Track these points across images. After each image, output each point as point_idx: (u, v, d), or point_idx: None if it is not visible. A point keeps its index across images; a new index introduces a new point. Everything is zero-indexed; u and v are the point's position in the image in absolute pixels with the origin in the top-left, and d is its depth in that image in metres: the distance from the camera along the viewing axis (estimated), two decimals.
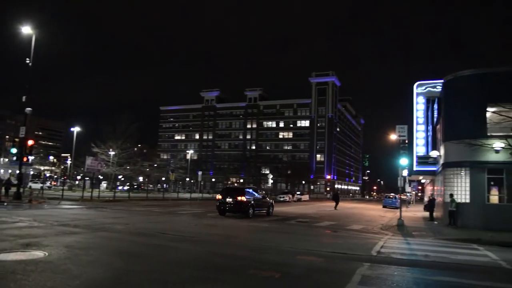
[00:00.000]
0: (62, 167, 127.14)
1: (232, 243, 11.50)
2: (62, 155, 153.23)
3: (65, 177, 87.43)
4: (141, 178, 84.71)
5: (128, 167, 64.27)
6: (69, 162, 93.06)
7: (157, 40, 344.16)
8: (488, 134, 19.95)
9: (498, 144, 19.16)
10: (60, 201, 27.50)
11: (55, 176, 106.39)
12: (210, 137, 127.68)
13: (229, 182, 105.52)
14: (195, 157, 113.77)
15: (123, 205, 27.01)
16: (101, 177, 62.09)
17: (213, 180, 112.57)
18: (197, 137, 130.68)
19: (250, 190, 23.52)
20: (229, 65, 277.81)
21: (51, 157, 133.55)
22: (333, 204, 37.59)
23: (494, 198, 20.32)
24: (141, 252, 9.24)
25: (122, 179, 73.97)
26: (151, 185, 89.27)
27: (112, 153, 56.94)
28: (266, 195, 29.33)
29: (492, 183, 20.30)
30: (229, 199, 21.79)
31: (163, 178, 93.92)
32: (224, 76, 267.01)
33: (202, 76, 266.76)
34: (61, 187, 47.98)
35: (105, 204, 27.79)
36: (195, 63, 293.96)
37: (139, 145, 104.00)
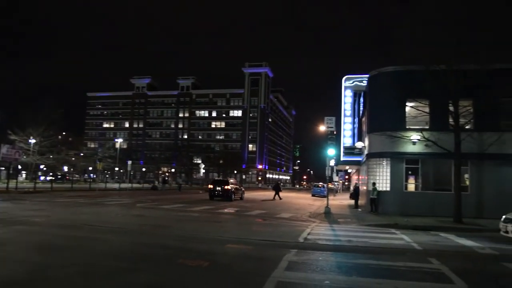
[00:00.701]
0: None
1: (161, 233, 11.33)
2: None
3: None
4: (66, 168, 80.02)
5: (51, 156, 60.44)
6: None
7: (87, 23, 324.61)
8: (407, 127, 21.46)
9: (415, 137, 20.68)
10: None
11: None
12: (141, 125, 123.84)
13: (160, 172, 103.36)
14: (125, 146, 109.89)
15: (45, 197, 25.37)
16: (20, 167, 57.81)
17: (144, 169, 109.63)
18: (127, 125, 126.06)
19: (232, 180, 32.95)
20: (161, 52, 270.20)
21: None
22: (272, 193, 37.78)
23: (411, 186, 21.97)
24: (63, 246, 8.76)
25: (45, 169, 69.43)
26: (77, 175, 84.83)
27: (32, 141, 53.14)
28: (241, 185, 37.96)
29: (410, 172, 21.91)
30: (218, 188, 29.68)
31: (90, 168, 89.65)
32: (156, 63, 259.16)
33: (132, 62, 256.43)
34: None
35: (24, 195, 25.94)
36: (125, 49, 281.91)
37: (64, 133, 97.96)
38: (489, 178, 20.76)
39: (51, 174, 68.13)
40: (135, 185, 57.77)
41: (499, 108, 19.56)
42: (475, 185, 20.90)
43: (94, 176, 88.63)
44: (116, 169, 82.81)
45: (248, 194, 44.85)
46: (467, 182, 21.05)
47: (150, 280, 6.15)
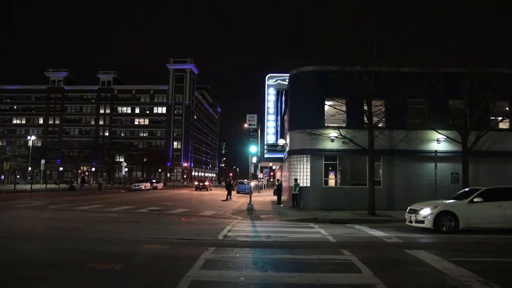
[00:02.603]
0: None
1: (73, 237, 10.66)
2: None
3: None
4: None
5: None
6: None
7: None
8: (326, 125, 22.36)
9: (333, 134, 21.62)
10: None
11: None
12: (57, 122, 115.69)
13: (79, 171, 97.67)
14: (39, 144, 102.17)
15: None
16: None
17: (61, 169, 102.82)
18: (41, 121, 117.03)
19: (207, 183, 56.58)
20: (79, 44, 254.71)
21: None
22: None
23: (331, 181, 22.93)
24: None
25: None
26: None
27: None
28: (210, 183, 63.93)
29: (330, 168, 22.86)
30: (201, 184, 53.62)
31: None
32: (74, 56, 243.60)
33: (47, 54, 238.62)
34: None
35: None
36: (39, 39, 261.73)
37: None
38: (398, 173, 22.37)
39: None
40: (50, 186, 54.00)
41: (406, 108, 21.12)
42: (387, 179, 22.39)
43: (2, 177, 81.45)
44: (29, 169, 76.86)
45: (172, 192, 44.03)
46: (381, 177, 22.46)
47: None
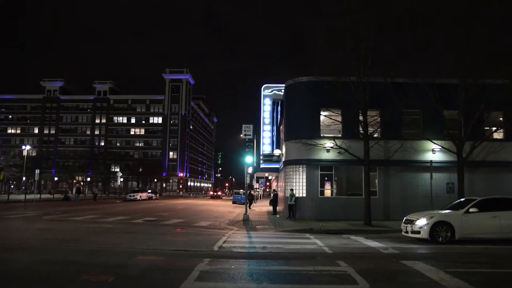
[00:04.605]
0: None
1: (66, 248, 10.54)
2: None
3: None
4: None
5: None
6: None
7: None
8: (321, 135, 22.39)
9: (328, 144, 21.64)
10: None
11: None
12: (53, 131, 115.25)
13: (74, 181, 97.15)
14: (34, 154, 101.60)
15: None
16: None
17: (56, 179, 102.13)
18: (36, 131, 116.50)
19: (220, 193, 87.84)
20: (75, 54, 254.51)
21: None
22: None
23: (327, 191, 22.88)
24: None
25: None
26: None
27: None
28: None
29: (326, 178, 22.83)
30: (215, 194, 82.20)
31: None
32: (69, 66, 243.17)
33: (42, 63, 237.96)
34: None
35: None
36: (35, 48, 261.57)
37: None
38: (394, 183, 22.37)
39: None
40: (45, 196, 53.57)
41: (401, 119, 21.20)
42: (383, 190, 22.38)
43: None
44: (24, 179, 76.30)
45: (168, 202, 43.88)
46: (376, 187, 22.45)
47: None
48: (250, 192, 42.09)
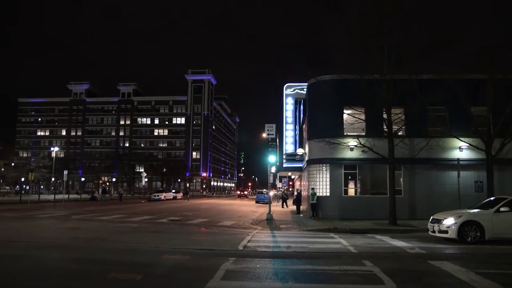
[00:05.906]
0: None
1: (95, 247, 10.79)
2: None
3: None
4: None
5: None
6: None
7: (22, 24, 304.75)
8: (345, 134, 22.16)
9: (352, 143, 21.40)
10: None
11: None
12: (79, 133, 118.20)
13: (100, 182, 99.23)
14: (62, 155, 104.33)
15: None
16: None
17: (83, 179, 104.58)
18: (64, 133, 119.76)
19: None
20: (100, 57, 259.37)
21: None
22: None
23: (351, 191, 22.64)
24: None
25: None
26: (8, 187, 79.10)
27: None
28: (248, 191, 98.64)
29: (349, 177, 22.60)
30: (241, 193, 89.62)
31: (23, 179, 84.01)
32: (95, 68, 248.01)
33: (68, 67, 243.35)
34: None
35: None
36: (61, 52, 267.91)
37: None
38: (420, 181, 21.94)
39: None
40: (72, 196, 54.95)
41: (426, 116, 20.76)
42: (408, 188, 21.99)
43: (27, 188, 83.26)
44: (53, 179, 78.49)
45: (192, 202, 44.35)
46: (401, 186, 22.08)
47: None
48: (284, 191, 44.65)
